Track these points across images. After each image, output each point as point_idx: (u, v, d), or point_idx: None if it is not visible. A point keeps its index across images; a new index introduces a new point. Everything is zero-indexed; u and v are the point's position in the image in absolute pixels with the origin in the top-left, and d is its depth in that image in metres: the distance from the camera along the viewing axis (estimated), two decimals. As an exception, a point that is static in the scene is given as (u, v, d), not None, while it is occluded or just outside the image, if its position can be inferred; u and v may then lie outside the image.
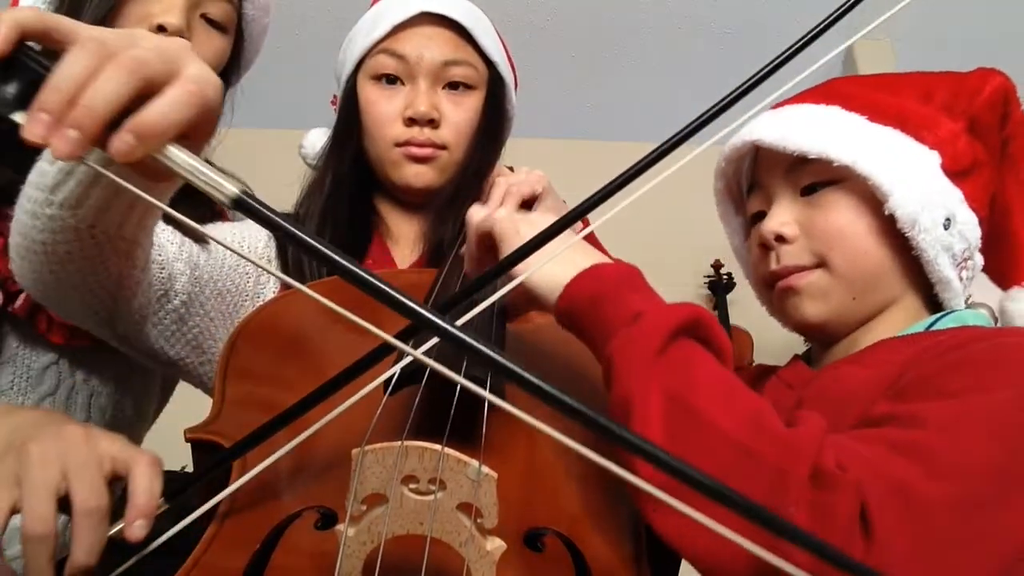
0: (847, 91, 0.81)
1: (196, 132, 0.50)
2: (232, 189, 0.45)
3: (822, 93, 0.82)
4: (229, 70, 1.07)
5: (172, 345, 0.88)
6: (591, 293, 0.62)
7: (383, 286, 0.42)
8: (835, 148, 0.74)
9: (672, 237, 2.92)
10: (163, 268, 0.84)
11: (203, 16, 1.00)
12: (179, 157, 0.47)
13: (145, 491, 0.56)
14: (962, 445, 0.55)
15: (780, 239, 0.78)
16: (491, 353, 0.41)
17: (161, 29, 0.95)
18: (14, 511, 0.53)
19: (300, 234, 0.45)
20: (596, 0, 2.75)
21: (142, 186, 0.52)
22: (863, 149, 0.74)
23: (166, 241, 0.86)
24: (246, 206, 0.45)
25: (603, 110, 3.21)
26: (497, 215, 0.72)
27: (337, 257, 0.43)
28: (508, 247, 0.69)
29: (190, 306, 0.88)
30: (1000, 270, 0.82)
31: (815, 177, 0.77)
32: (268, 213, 0.45)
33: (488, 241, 0.72)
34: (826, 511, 0.50)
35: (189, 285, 0.87)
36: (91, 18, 0.94)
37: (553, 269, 0.64)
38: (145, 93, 0.47)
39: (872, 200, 0.74)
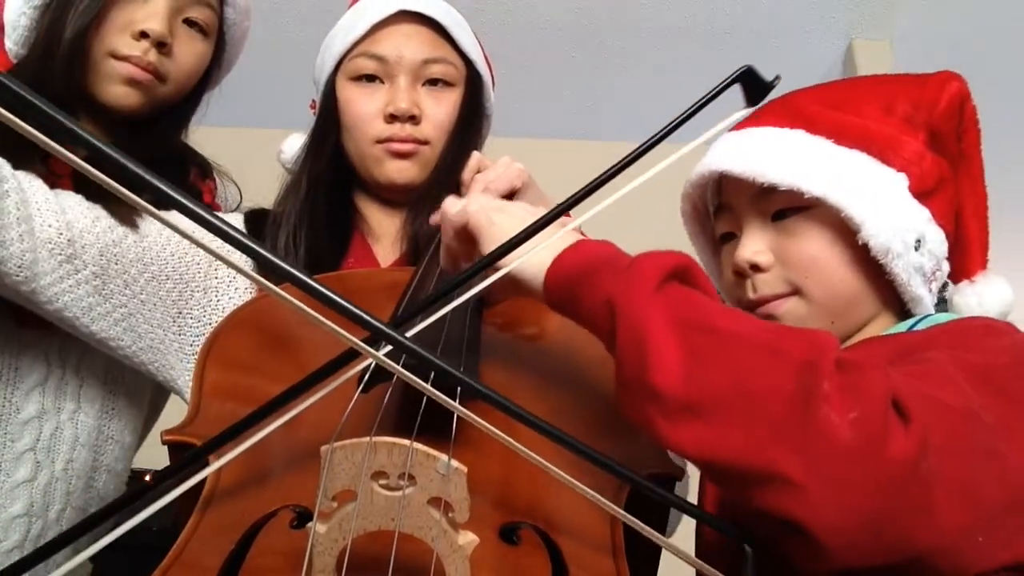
0: (810, 111, 0.79)
1: None
2: None
3: (785, 113, 0.80)
4: (210, 72, 1.09)
5: (94, 320, 0.89)
6: (578, 262, 0.63)
7: (340, 300, 0.43)
8: (805, 179, 0.74)
9: (668, 239, 2.91)
10: (61, 232, 0.85)
11: (185, 21, 1.01)
12: None
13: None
14: (961, 376, 0.57)
15: (755, 267, 0.77)
16: (439, 363, 0.42)
17: (144, 35, 0.96)
18: None
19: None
20: (594, 0, 2.75)
21: None
22: (832, 178, 0.74)
23: (80, 214, 0.88)
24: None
25: (601, 110, 3.20)
26: (470, 207, 0.72)
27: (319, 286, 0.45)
28: (484, 238, 0.69)
29: (107, 281, 0.89)
30: (953, 265, 0.81)
31: (784, 204, 0.76)
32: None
33: (465, 234, 0.73)
34: (859, 391, 0.51)
35: (102, 259, 0.88)
36: (76, 25, 0.94)
37: (534, 254, 0.65)
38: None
39: (844, 227, 0.74)
